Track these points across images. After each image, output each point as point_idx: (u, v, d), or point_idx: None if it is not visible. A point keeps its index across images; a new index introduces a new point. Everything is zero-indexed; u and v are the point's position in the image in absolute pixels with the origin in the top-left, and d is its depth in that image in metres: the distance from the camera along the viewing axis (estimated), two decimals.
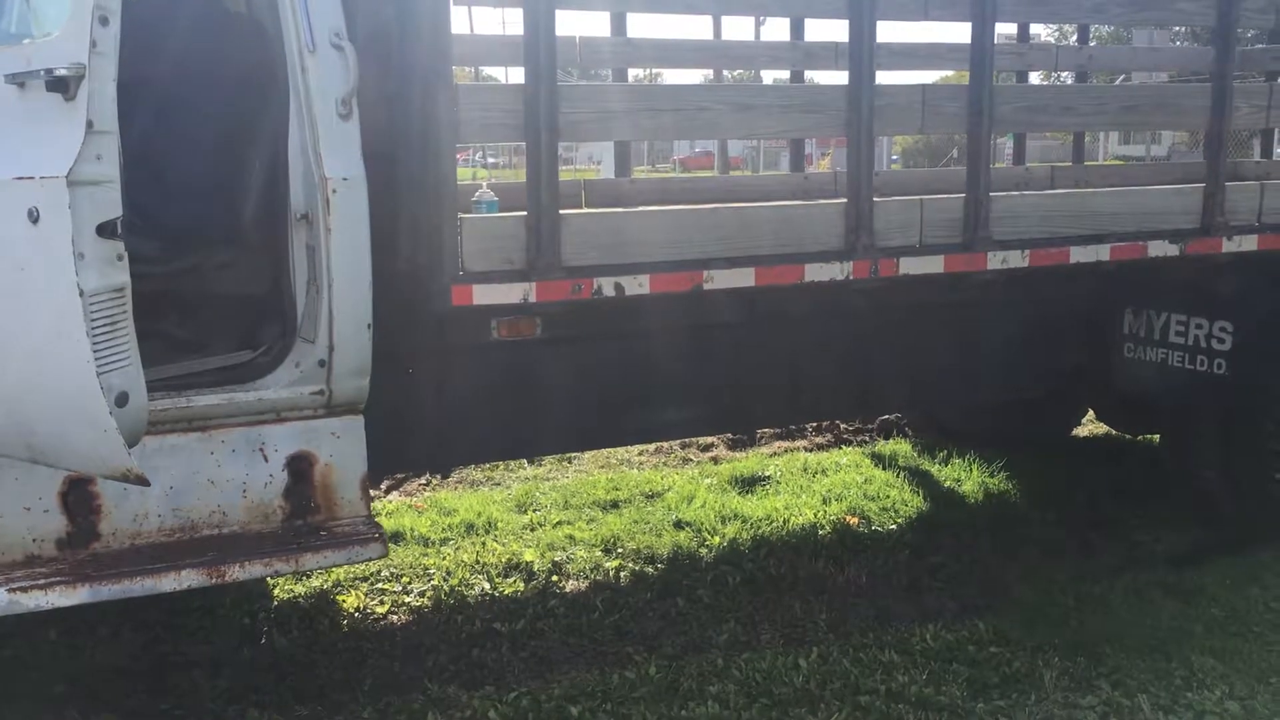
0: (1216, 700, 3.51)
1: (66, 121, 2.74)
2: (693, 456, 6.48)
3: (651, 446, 6.47)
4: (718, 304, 4.03)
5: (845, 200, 4.02)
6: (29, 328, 2.79)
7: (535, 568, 4.64)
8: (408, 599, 4.38)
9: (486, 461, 5.75)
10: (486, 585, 4.47)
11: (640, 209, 4.42)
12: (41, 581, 3.07)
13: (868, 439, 6.80)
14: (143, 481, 2.98)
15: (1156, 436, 5.78)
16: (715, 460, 6.37)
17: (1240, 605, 4.15)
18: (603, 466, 6.17)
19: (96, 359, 2.78)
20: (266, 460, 3.42)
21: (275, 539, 3.41)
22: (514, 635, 4.08)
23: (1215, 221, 4.55)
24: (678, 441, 6.49)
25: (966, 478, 5.82)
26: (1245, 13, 4.59)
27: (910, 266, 4.07)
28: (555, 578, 4.56)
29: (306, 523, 3.47)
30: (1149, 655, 3.78)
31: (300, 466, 3.47)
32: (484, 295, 3.48)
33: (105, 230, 2.79)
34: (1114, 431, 6.29)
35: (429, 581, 4.50)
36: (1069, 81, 6.95)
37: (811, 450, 6.57)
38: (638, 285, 3.66)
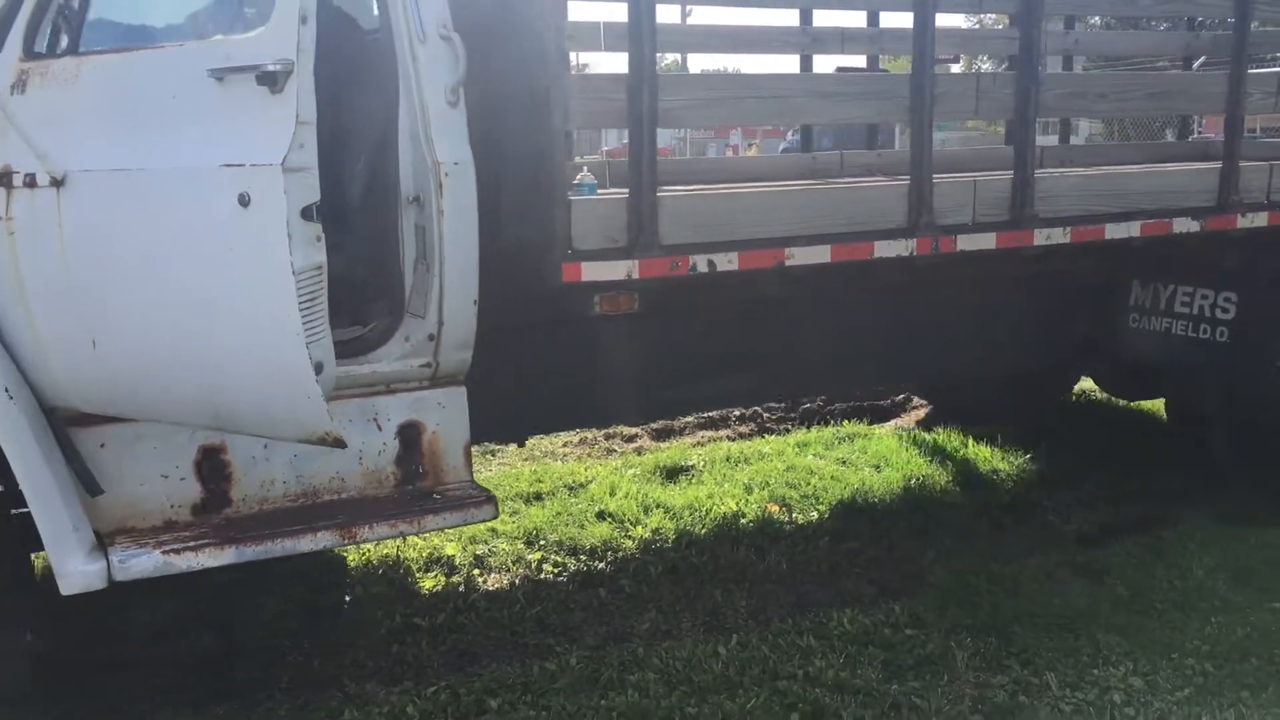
0: (1121, 676, 3.61)
1: (274, 113, 2.89)
2: (616, 447, 6.49)
3: (575, 438, 6.48)
4: (778, 281, 4.21)
5: (909, 181, 4.24)
6: (235, 304, 2.97)
7: (456, 561, 4.62)
8: (326, 596, 4.34)
9: (559, 430, 6.07)
10: (407, 580, 4.43)
11: (730, 189, 4.57)
12: (191, 544, 3.25)
13: (790, 427, 6.87)
14: (340, 444, 3.16)
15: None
16: (639, 451, 6.39)
17: (1145, 584, 4.27)
18: (526, 459, 6.16)
19: (304, 332, 2.94)
20: (380, 429, 3.60)
21: (390, 503, 3.59)
22: (434, 630, 4.06)
23: (1230, 200, 4.83)
24: (601, 432, 6.51)
25: (887, 464, 5.91)
26: (1259, 5, 4.98)
27: (966, 243, 4.32)
28: (476, 571, 4.54)
29: (416, 488, 3.66)
30: (1057, 634, 3.88)
31: (410, 435, 3.64)
32: (591, 272, 3.68)
33: (307, 213, 2.94)
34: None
35: (348, 578, 4.46)
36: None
37: (734, 439, 6.63)
38: (728, 262, 3.87)
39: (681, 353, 4.42)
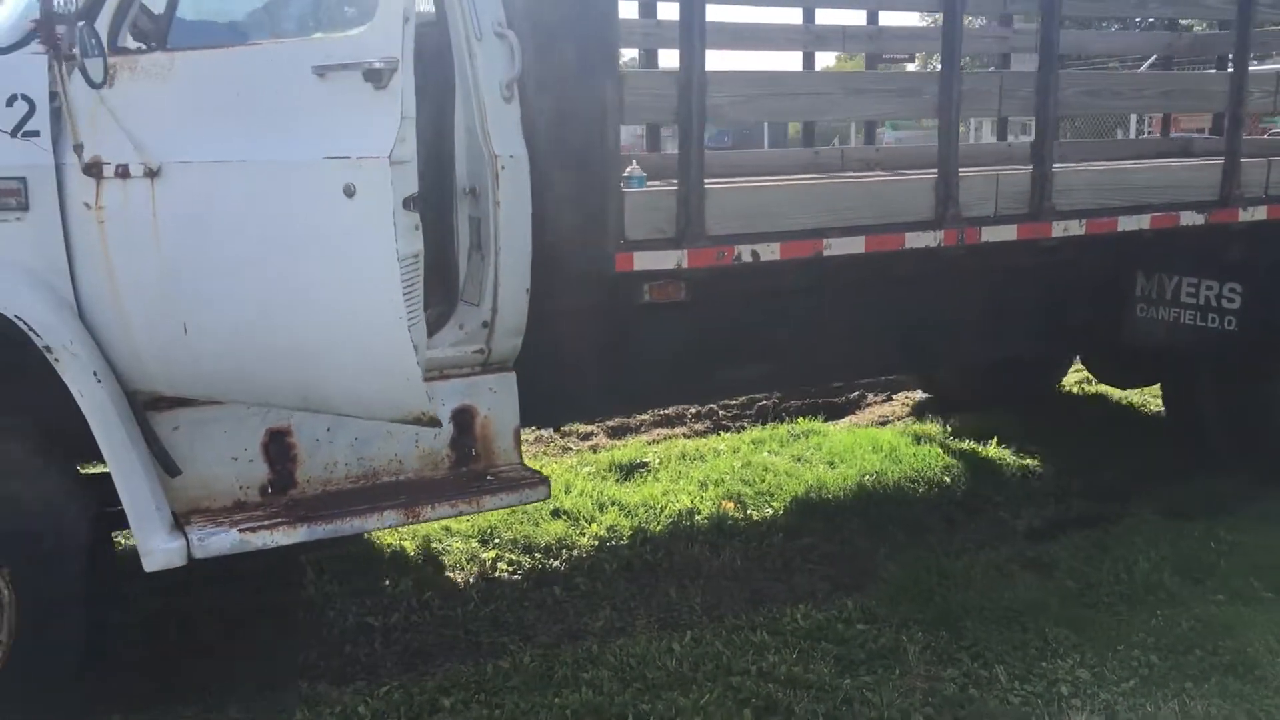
0: (1069, 669, 3.66)
1: (379, 108, 2.99)
2: (572, 445, 6.49)
3: (531, 436, 6.45)
4: (815, 271, 4.35)
5: (936, 175, 4.40)
6: (337, 289, 3.07)
7: (410, 560, 4.60)
8: (279, 596, 4.30)
9: (598, 418, 6.35)
10: (360, 580, 4.40)
11: (771, 182, 4.64)
12: (265, 522, 3.37)
13: (745, 425, 6.90)
14: (435, 423, 3.31)
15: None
16: (594, 449, 6.39)
17: (1093, 577, 4.33)
18: None
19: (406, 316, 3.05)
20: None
21: (447, 485, 3.72)
22: (387, 629, 4.05)
23: (1232, 194, 5.02)
24: (557, 430, 6.50)
25: (842, 461, 5.95)
26: (1260, 8, 5.19)
27: (990, 234, 4.48)
28: (431, 570, 4.52)
29: (469, 470, 3.80)
30: (1007, 627, 3.92)
31: (463, 419, 3.77)
32: (643, 261, 3.80)
33: (408, 203, 3.04)
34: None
35: (301, 578, 4.41)
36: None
37: (690, 437, 6.64)
38: (770, 252, 4.00)
39: (721, 340, 4.53)
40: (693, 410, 7.00)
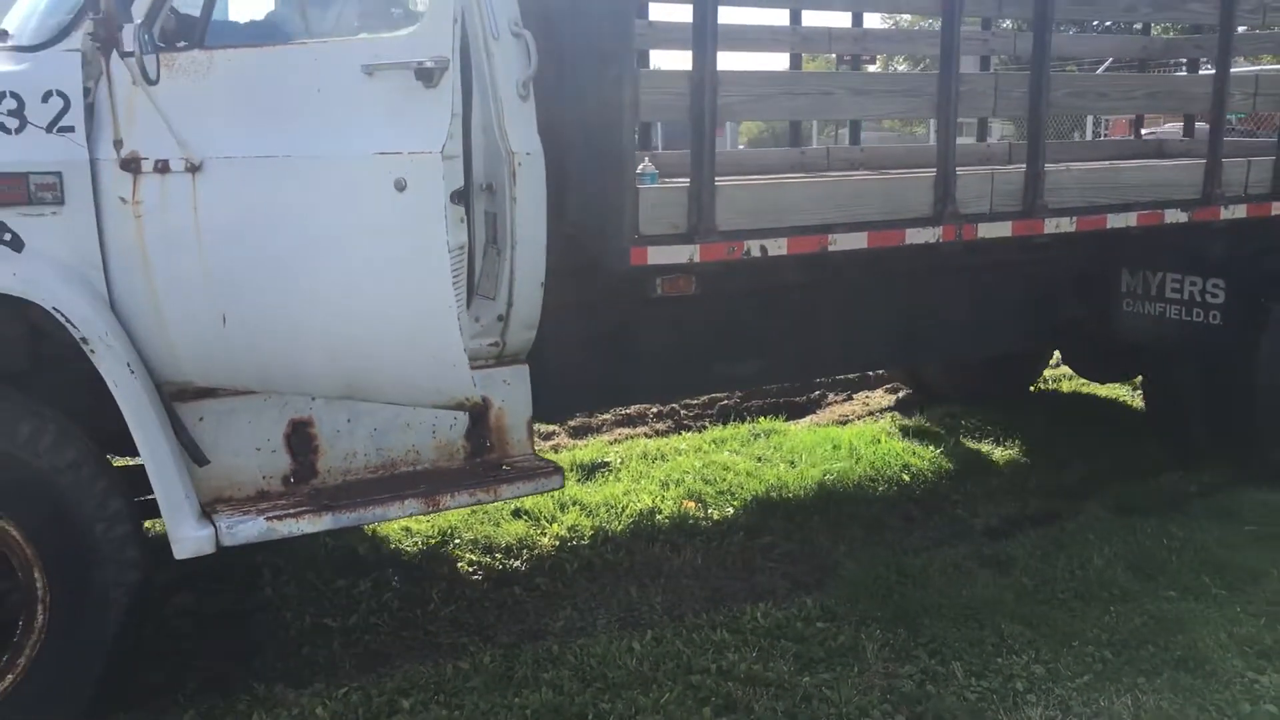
0: (1024, 664, 3.70)
1: (430, 106, 3.09)
2: (535, 445, 6.46)
3: None
4: (819, 266, 4.47)
5: (935, 173, 4.51)
6: (386, 280, 3.17)
7: (369, 561, 4.57)
8: (234, 598, 4.26)
9: (597, 409, 6.48)
10: (318, 581, 4.36)
11: (779, 179, 4.87)
12: (291, 511, 3.44)
13: (706, 424, 6.92)
14: (478, 407, 3.44)
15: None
16: (556, 449, 6.39)
17: (1048, 574, 4.37)
18: None
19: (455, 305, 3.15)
20: None
21: (464, 474, 3.79)
22: (346, 631, 4.02)
23: (1214, 193, 5.19)
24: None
25: (803, 460, 5.98)
26: (1241, 12, 5.42)
27: (985, 231, 4.61)
28: (390, 570, 4.49)
29: (484, 460, 3.88)
30: (964, 624, 3.96)
31: (478, 411, 3.76)
32: (657, 256, 3.88)
33: (454, 197, 3.15)
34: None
35: (258, 579, 4.37)
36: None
37: (652, 436, 6.65)
38: (778, 247, 4.10)
39: (726, 333, 4.62)
40: (654, 410, 7.02)
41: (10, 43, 3.34)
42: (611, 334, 4.33)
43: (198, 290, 3.22)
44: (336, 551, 4.62)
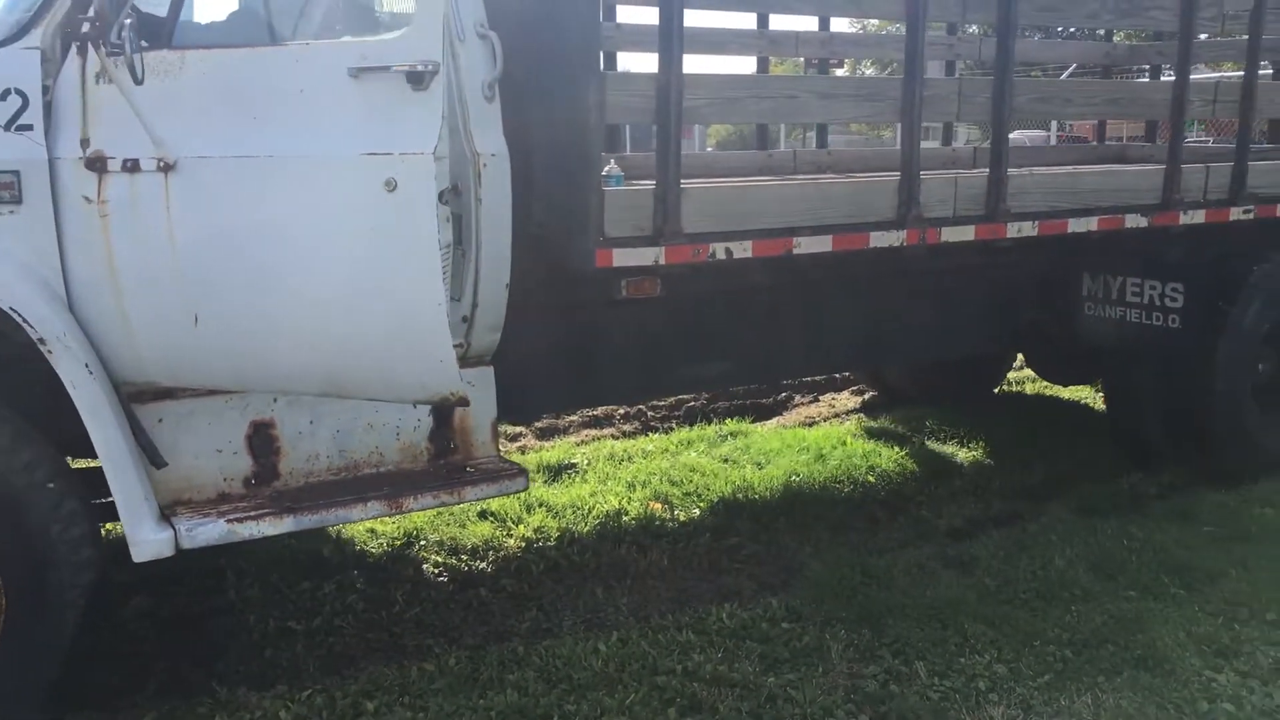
0: (986, 664, 3.73)
1: (419, 108, 3.11)
2: (500, 446, 6.44)
3: None
4: (782, 269, 4.48)
5: (899, 176, 4.51)
6: (373, 278, 3.17)
7: (333, 563, 4.54)
8: (196, 600, 4.22)
9: (563, 411, 6.50)
10: (281, 583, 4.33)
11: (745, 183, 4.77)
12: (252, 513, 3.41)
13: (674, 425, 6.93)
14: (464, 402, 3.41)
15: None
16: (523, 450, 6.38)
17: (1011, 574, 4.41)
18: None
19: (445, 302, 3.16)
20: (414, 407, 3.78)
21: (428, 476, 3.77)
22: (310, 633, 3.99)
23: (1173, 198, 5.23)
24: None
25: (769, 461, 6.00)
26: (1200, 20, 5.43)
27: (949, 235, 4.63)
28: (355, 572, 4.46)
29: (448, 462, 3.87)
30: (927, 624, 3.99)
31: (441, 412, 3.83)
32: (622, 258, 3.88)
33: (442, 197, 3.20)
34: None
35: (220, 582, 4.34)
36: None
37: (619, 438, 6.65)
38: (743, 249, 4.10)
39: (691, 336, 4.65)
40: (621, 411, 7.02)
41: None
42: (577, 336, 4.34)
43: (168, 290, 3.19)
44: (301, 554, 4.59)
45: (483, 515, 5.09)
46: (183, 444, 3.47)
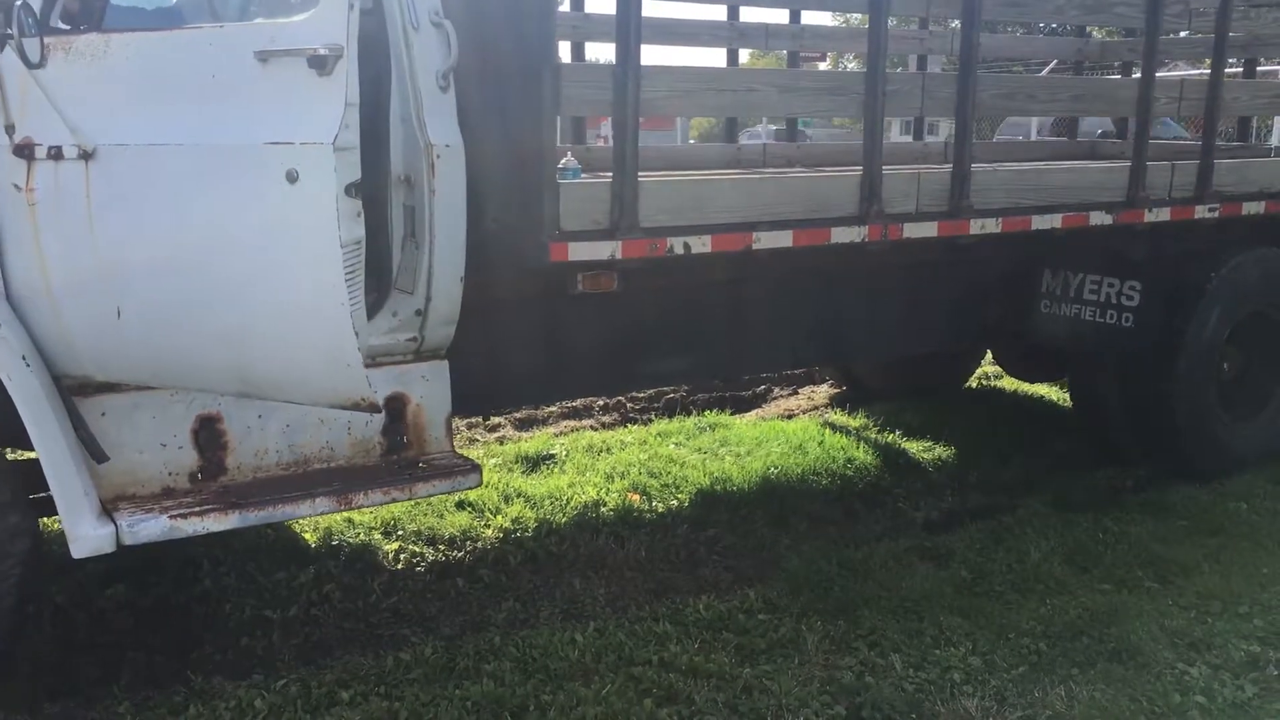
0: (961, 656, 3.75)
1: (323, 95, 3.01)
2: (479, 437, 6.45)
3: None
4: (742, 264, 4.45)
5: (861, 172, 4.48)
6: (277, 275, 3.09)
7: (311, 552, 4.53)
8: (170, 590, 4.20)
9: (526, 405, 6.46)
10: (257, 573, 4.31)
11: (703, 176, 4.77)
12: (196, 509, 3.36)
13: (652, 417, 6.93)
14: (375, 409, 3.35)
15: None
16: (501, 440, 6.37)
17: (986, 567, 4.44)
18: None
19: (348, 302, 3.07)
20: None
21: (380, 472, 3.75)
22: (285, 622, 3.98)
23: (1139, 195, 5.21)
24: (464, 422, 6.45)
25: (748, 453, 6.01)
26: (1166, 18, 5.43)
27: (911, 231, 4.58)
28: (331, 563, 4.44)
29: (401, 458, 3.83)
30: (903, 616, 4.00)
31: (395, 407, 3.79)
32: (578, 252, 3.82)
33: (350, 190, 3.07)
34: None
35: (196, 571, 4.31)
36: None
37: (597, 429, 6.65)
38: (701, 244, 4.06)
39: (649, 331, 4.60)
40: (600, 402, 7.02)
41: None
42: (533, 330, 4.28)
43: (92, 282, 3.13)
44: (278, 543, 4.57)
45: (460, 506, 5.07)
46: (126, 438, 3.41)
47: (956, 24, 7.65)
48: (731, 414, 6.95)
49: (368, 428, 3.76)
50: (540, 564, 4.55)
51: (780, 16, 6.64)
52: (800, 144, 6.71)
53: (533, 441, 6.21)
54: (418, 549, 4.64)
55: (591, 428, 6.68)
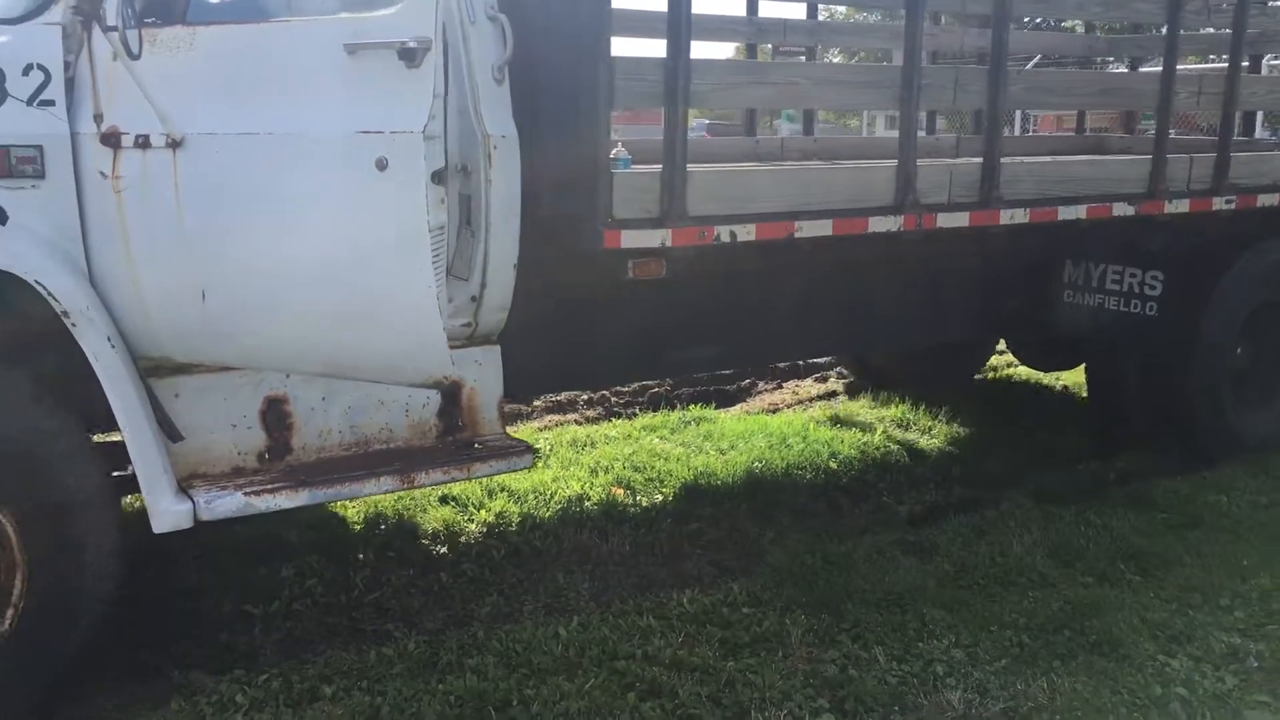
0: (944, 649, 3.76)
1: (412, 86, 3.14)
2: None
3: None
4: (758, 255, 4.55)
5: (897, 163, 4.65)
6: (366, 259, 3.22)
7: (293, 547, 4.50)
8: (151, 585, 4.17)
9: (564, 390, 6.55)
10: (239, 568, 4.29)
11: (748, 168, 4.92)
12: (269, 486, 3.46)
13: (637, 411, 6.92)
14: (456, 386, 3.58)
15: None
16: None
17: (969, 560, 4.45)
18: None
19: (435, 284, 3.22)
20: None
21: (437, 453, 3.85)
22: (267, 617, 3.96)
23: (1159, 188, 5.38)
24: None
25: (732, 447, 6.01)
26: (1186, 14, 5.62)
27: (944, 221, 4.75)
28: (313, 557, 4.42)
29: (456, 439, 3.93)
30: (886, 610, 4.01)
31: (450, 390, 3.86)
32: (630, 239, 3.98)
33: (436, 177, 3.22)
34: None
35: (175, 565, 4.29)
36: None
37: (582, 423, 6.64)
38: (746, 233, 4.21)
39: (686, 319, 4.74)
40: (584, 396, 7.01)
41: None
42: (580, 316, 4.43)
43: (178, 266, 3.24)
44: (260, 538, 4.54)
45: (444, 500, 5.06)
46: (198, 418, 3.51)
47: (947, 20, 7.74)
48: (716, 408, 6.94)
49: (424, 410, 3.87)
50: (524, 558, 4.54)
51: (798, 11, 6.79)
52: (816, 138, 6.91)
53: (517, 435, 6.17)
54: (401, 543, 4.62)
55: (576, 422, 6.67)
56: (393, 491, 3.91)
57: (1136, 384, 5.74)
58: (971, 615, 3.99)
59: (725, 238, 4.15)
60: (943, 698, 3.47)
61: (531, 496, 5.14)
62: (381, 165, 3.11)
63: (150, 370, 3.39)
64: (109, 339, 3.18)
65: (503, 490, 5.19)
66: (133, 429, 3.22)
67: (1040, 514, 4.95)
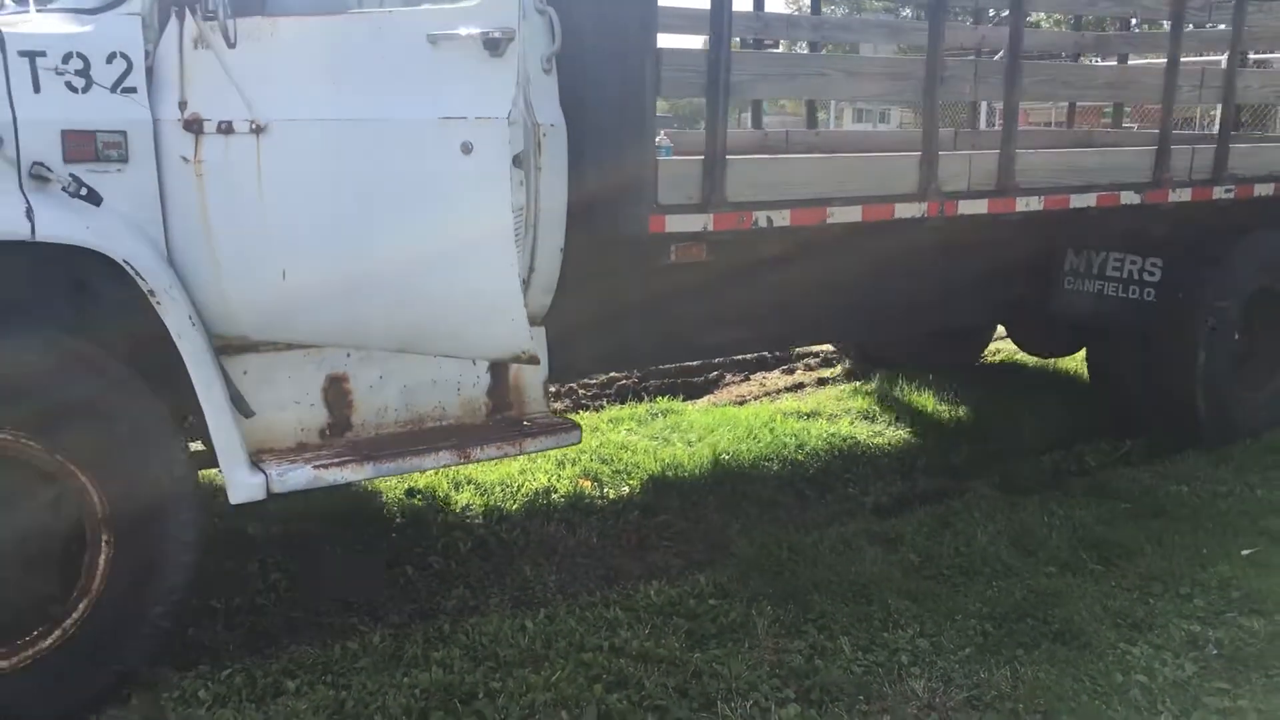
0: (909, 638, 3.79)
1: (494, 73, 3.26)
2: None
3: None
4: (789, 242, 4.76)
5: (920, 154, 4.82)
6: (449, 239, 3.37)
7: (258, 541, 4.47)
8: None
9: (604, 372, 6.66)
10: (205, 562, 4.24)
11: (782, 156, 5.18)
12: (336, 460, 3.61)
13: (604, 403, 6.92)
14: (534, 360, 3.61)
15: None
16: None
17: (934, 551, 4.48)
18: None
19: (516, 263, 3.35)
20: (474, 364, 4.03)
21: (489, 429, 4.01)
22: (231, 612, 3.93)
23: (1163, 177, 5.56)
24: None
25: (699, 439, 6.02)
26: (1190, 10, 5.79)
27: (965, 208, 4.95)
28: (278, 551, 4.39)
29: (505, 417, 4.10)
30: (852, 600, 4.03)
31: (498, 370, 4.07)
32: (674, 224, 4.12)
33: (516, 161, 3.34)
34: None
35: None
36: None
37: None
38: (782, 218, 4.37)
39: (717, 303, 4.90)
40: (552, 389, 6.96)
41: (71, 4, 3.36)
42: (620, 300, 4.53)
43: (258, 246, 3.36)
44: (224, 531, 4.50)
45: (410, 493, 5.04)
46: (264, 395, 3.64)
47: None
48: (683, 400, 6.96)
49: (475, 389, 4.05)
50: (490, 551, 4.53)
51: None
52: (818, 131, 7.12)
53: None
54: (367, 537, 4.60)
55: None
56: (450, 465, 4.09)
57: (1134, 368, 5.91)
58: (936, 605, 4.02)
59: (763, 223, 4.31)
60: (908, 687, 3.49)
61: (498, 489, 5.13)
62: (466, 149, 3.23)
63: (220, 349, 3.50)
64: (190, 317, 3.30)
65: (469, 483, 5.17)
66: (211, 404, 3.34)
67: (1004, 504, 5.00)
